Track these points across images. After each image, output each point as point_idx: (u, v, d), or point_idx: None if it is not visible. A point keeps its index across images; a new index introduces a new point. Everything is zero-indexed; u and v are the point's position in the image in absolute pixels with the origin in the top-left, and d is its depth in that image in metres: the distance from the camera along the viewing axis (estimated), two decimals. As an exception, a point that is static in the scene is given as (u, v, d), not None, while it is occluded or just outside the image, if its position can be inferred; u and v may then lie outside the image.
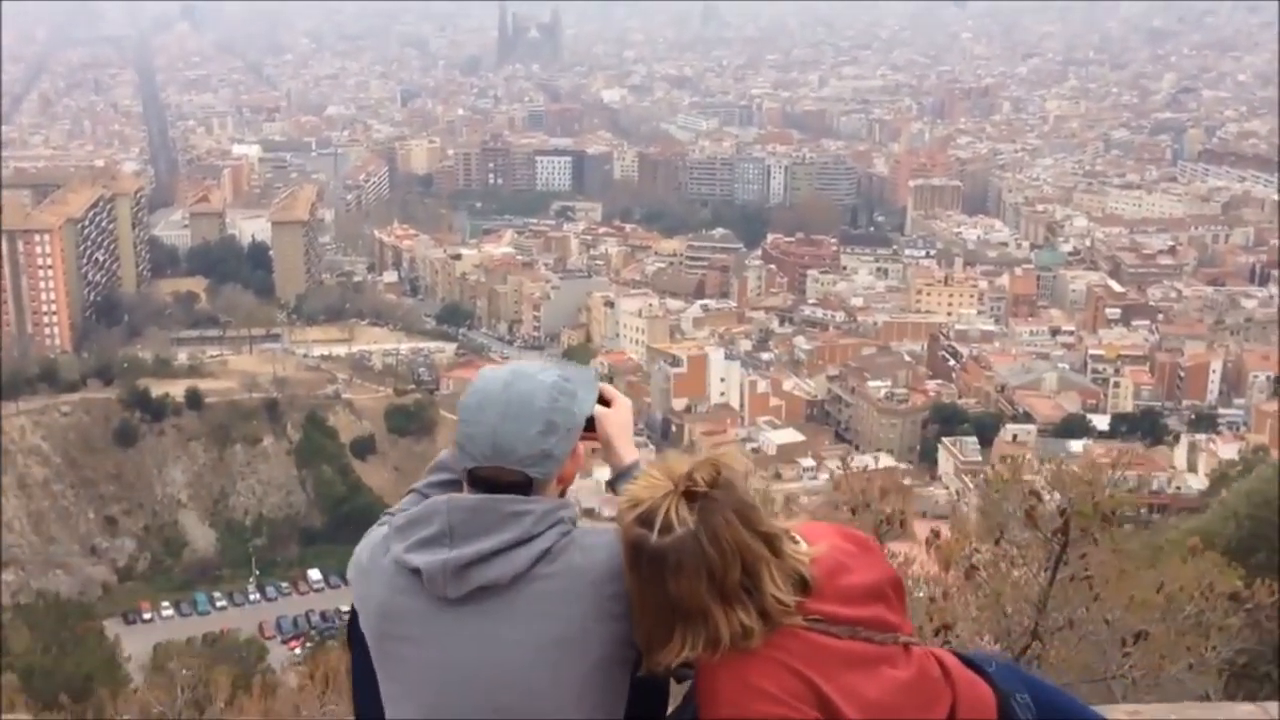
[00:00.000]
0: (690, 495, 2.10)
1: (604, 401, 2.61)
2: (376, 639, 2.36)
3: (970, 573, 6.14)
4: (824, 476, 78.64)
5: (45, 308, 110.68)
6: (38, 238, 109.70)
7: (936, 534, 6.61)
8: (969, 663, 2.40)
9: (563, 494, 2.43)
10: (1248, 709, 4.27)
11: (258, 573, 79.02)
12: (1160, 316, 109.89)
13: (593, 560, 2.26)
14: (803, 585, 2.15)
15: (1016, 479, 6.30)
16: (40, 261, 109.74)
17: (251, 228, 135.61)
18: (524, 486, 2.31)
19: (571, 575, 2.25)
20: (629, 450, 2.61)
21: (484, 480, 2.31)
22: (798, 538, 2.22)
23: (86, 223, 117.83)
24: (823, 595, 2.17)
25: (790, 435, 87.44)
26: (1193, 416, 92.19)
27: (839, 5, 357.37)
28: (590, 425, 2.52)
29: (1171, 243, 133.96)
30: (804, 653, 2.12)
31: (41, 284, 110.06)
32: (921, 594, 6.27)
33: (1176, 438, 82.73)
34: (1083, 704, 2.68)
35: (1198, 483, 65.38)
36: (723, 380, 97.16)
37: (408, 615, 2.29)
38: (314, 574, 78.14)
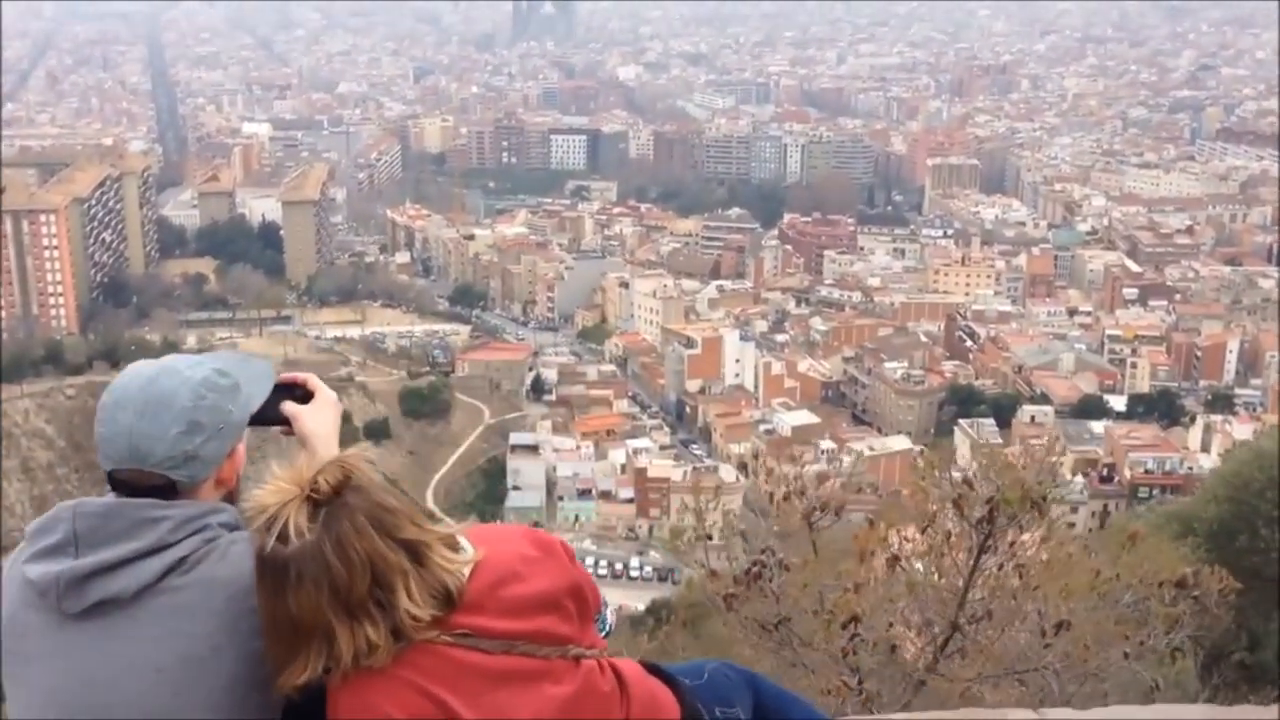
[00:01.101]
0: (315, 501, 1.94)
1: (308, 397, 2.43)
2: (3, 656, 2.19)
3: (892, 563, 5.90)
4: (846, 459, 78.37)
5: (51, 289, 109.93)
6: (43, 217, 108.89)
7: (871, 523, 6.36)
8: (660, 673, 2.27)
9: (229, 499, 2.25)
10: (1022, 715, 4.09)
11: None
12: (1177, 296, 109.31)
13: (237, 571, 2.06)
14: (449, 597, 1.98)
15: (946, 466, 6.19)
16: (46, 242, 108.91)
17: (262, 207, 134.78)
18: (168, 490, 2.15)
19: (206, 587, 2.07)
20: (329, 451, 2.39)
21: (125, 483, 2.14)
22: (465, 544, 2.04)
23: (93, 202, 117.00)
24: (480, 607, 2.00)
25: (806, 417, 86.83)
26: (1209, 397, 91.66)
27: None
28: (285, 420, 2.40)
29: (1189, 222, 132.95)
30: (441, 671, 1.96)
31: (47, 264, 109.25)
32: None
33: (1192, 418, 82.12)
34: (824, 716, 2.58)
35: (1211, 463, 64.43)
36: (738, 362, 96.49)
37: (30, 631, 2.11)
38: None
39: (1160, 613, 5.86)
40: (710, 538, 6.34)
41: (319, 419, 2.38)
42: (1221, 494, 12.91)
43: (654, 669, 2.26)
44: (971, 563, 5.83)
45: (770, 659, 5.89)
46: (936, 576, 5.96)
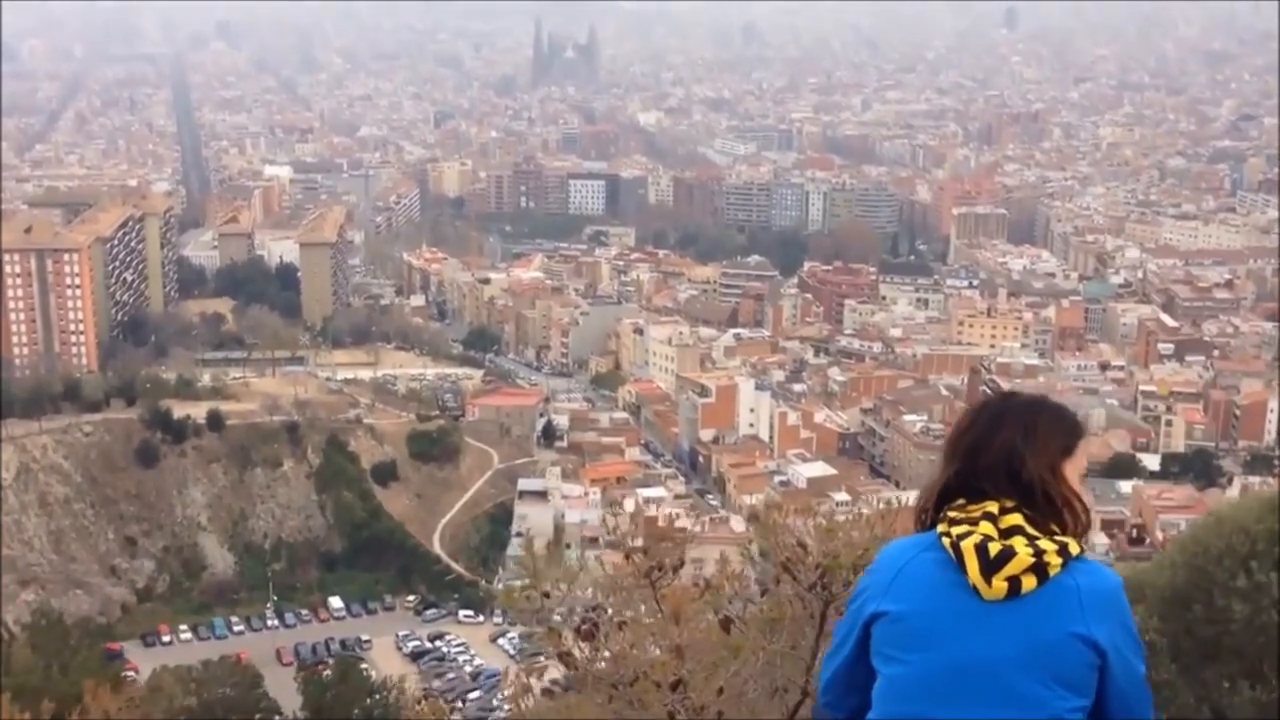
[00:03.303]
0: None
1: None
2: None
3: (725, 625, 5.83)
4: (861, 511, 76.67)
5: (72, 326, 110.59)
6: (66, 257, 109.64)
7: (707, 583, 6.30)
8: None
9: None
10: None
11: (275, 598, 78.01)
12: (1215, 352, 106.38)
13: None
14: None
15: (781, 528, 6.18)
16: (69, 280, 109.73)
17: (280, 249, 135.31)
18: None
19: None
20: None
21: None
22: None
23: (115, 242, 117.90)
24: None
25: (821, 469, 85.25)
26: (1248, 458, 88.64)
27: (883, 25, 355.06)
28: None
29: (1228, 275, 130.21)
30: None
31: (69, 303, 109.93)
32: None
33: (1230, 480, 79.41)
34: None
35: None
36: (752, 411, 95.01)
37: None
38: (335, 602, 77.79)
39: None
40: (548, 595, 6.19)
41: None
42: (1179, 560, 11.53)
43: None
44: (817, 629, 5.83)
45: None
46: (787, 642, 5.93)
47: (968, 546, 2.59)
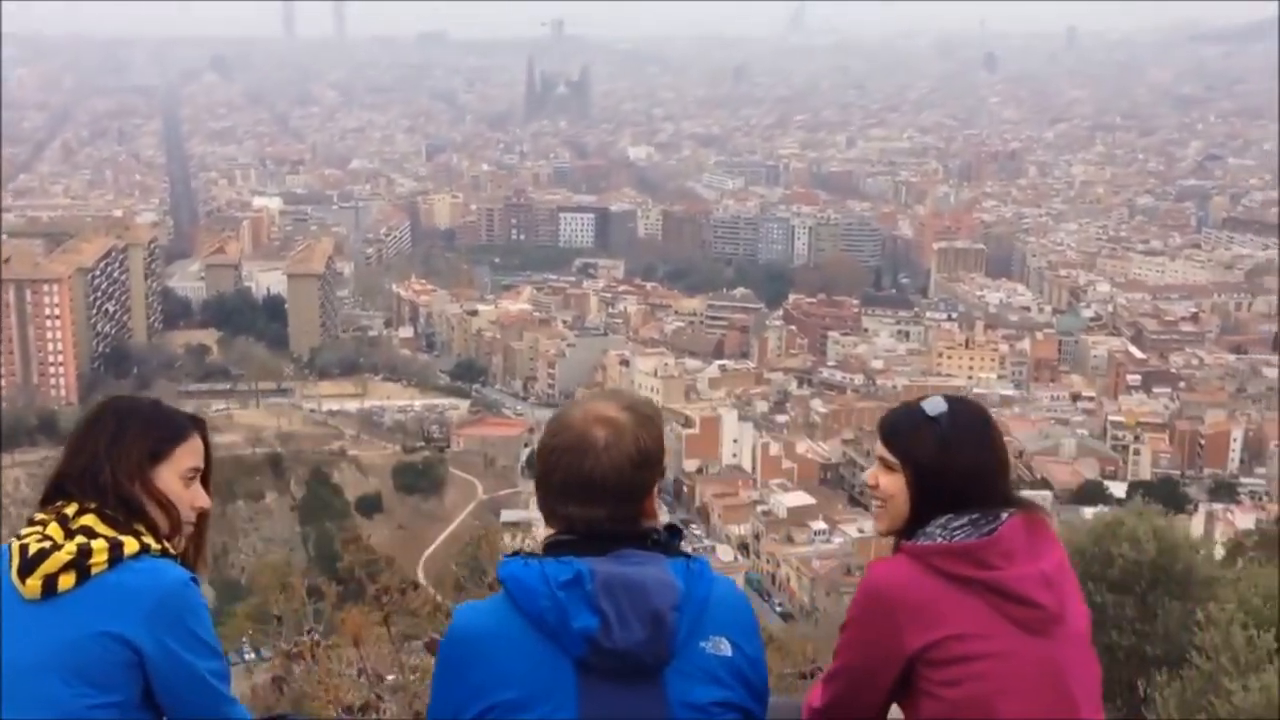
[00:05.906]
0: None
1: None
2: None
3: (430, 648, 5.85)
4: (837, 540, 77.74)
5: (52, 358, 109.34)
6: (46, 287, 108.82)
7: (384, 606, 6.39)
8: None
9: None
10: None
11: (250, 632, 77.12)
12: (1181, 384, 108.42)
13: None
14: None
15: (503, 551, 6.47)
16: (48, 311, 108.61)
17: (268, 280, 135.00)
18: None
19: None
20: None
21: None
22: None
23: (97, 273, 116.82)
24: None
25: (801, 498, 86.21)
26: (1213, 485, 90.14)
27: (873, 67, 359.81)
28: None
29: (1194, 309, 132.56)
30: None
31: (49, 334, 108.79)
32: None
33: (1195, 507, 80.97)
34: None
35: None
36: (735, 442, 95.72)
37: None
38: (315, 636, 77.45)
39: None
40: (279, 619, 6.24)
41: None
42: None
43: None
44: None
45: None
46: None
47: (15, 546, 2.60)
